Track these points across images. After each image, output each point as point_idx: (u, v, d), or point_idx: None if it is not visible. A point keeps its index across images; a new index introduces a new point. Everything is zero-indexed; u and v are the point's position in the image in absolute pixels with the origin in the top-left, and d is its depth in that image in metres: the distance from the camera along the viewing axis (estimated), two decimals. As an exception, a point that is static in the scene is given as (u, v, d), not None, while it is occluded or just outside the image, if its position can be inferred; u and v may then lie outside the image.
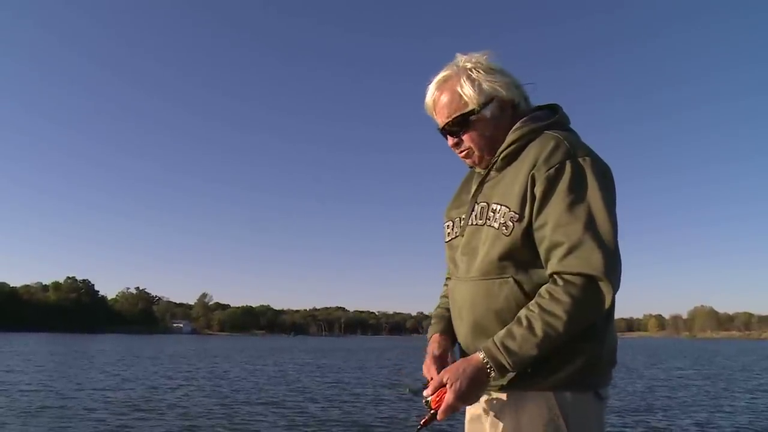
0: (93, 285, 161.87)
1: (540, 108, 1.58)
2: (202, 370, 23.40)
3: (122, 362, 26.84)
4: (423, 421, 1.45)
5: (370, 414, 11.55)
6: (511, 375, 1.39)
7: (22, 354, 32.15)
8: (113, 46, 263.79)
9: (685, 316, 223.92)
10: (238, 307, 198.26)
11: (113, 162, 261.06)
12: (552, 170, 1.36)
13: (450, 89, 1.50)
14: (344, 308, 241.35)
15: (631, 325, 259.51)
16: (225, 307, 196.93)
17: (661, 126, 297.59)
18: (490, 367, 1.35)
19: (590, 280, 1.30)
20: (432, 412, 1.41)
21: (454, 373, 1.37)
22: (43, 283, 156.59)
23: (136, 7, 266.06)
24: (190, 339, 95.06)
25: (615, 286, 1.30)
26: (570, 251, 1.32)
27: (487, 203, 1.49)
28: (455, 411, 1.38)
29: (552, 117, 1.51)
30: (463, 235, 1.56)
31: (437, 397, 1.40)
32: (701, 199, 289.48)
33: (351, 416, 11.14)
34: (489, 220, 1.47)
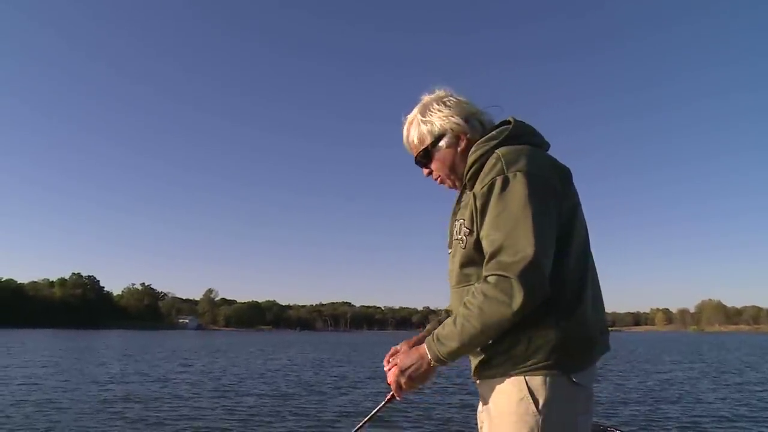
0: (98, 281, 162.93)
1: (499, 125, 1.77)
2: (207, 364, 23.32)
3: (128, 358, 26.71)
4: (387, 397, 1.74)
5: (374, 403, 11.22)
6: (450, 362, 1.60)
7: (30, 350, 32.08)
8: (116, 43, 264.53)
9: (692, 310, 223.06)
10: (244, 303, 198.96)
11: (118, 159, 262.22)
12: (485, 188, 1.56)
13: (414, 128, 1.82)
14: (350, 303, 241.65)
15: (638, 319, 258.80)
16: (231, 302, 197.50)
17: (666, 119, 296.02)
18: (429, 354, 1.60)
19: (503, 280, 1.46)
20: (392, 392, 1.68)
21: (403, 354, 1.69)
22: (50, 280, 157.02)
23: (141, 4, 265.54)
24: (195, 334, 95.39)
25: (526, 286, 1.44)
26: (491, 257, 1.51)
27: (464, 220, 1.69)
28: (399, 386, 1.64)
29: (504, 134, 1.69)
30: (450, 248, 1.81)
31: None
32: (709, 192, 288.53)
33: (357, 406, 11.10)
34: (461, 235, 1.70)
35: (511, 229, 1.49)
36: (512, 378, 1.57)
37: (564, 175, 1.65)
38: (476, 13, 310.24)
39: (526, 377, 1.54)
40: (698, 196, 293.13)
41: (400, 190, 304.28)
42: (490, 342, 1.58)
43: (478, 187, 1.60)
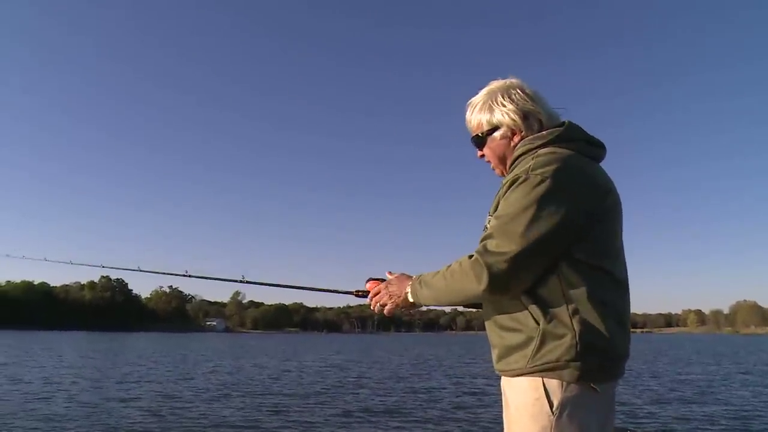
0: (127, 284, 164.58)
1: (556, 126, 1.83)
2: (236, 366, 23.46)
3: (158, 359, 26.98)
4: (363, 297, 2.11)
5: (394, 401, 11.22)
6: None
7: (62, 352, 32.68)
8: (132, 41, 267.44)
9: (726, 311, 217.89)
10: (272, 305, 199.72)
11: (145, 161, 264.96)
12: (509, 181, 1.67)
13: (475, 112, 1.89)
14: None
15: (669, 320, 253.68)
16: (258, 304, 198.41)
17: (693, 116, 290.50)
18: (409, 289, 1.84)
19: (479, 264, 1.60)
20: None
21: (396, 280, 1.93)
22: (81, 283, 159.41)
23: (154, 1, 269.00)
24: (223, 337, 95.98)
25: (492, 279, 1.57)
26: (482, 238, 1.66)
27: (492, 208, 1.81)
28: (379, 307, 1.94)
29: (552, 136, 1.75)
30: None
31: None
32: (743, 190, 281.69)
33: (377, 405, 10.91)
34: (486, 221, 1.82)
35: (506, 223, 1.60)
36: (530, 377, 1.61)
37: (602, 192, 1.69)
38: (492, 6, 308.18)
39: (544, 378, 1.59)
40: (733, 194, 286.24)
41: (432, 190, 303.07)
42: (509, 337, 1.67)
43: (508, 179, 1.68)
